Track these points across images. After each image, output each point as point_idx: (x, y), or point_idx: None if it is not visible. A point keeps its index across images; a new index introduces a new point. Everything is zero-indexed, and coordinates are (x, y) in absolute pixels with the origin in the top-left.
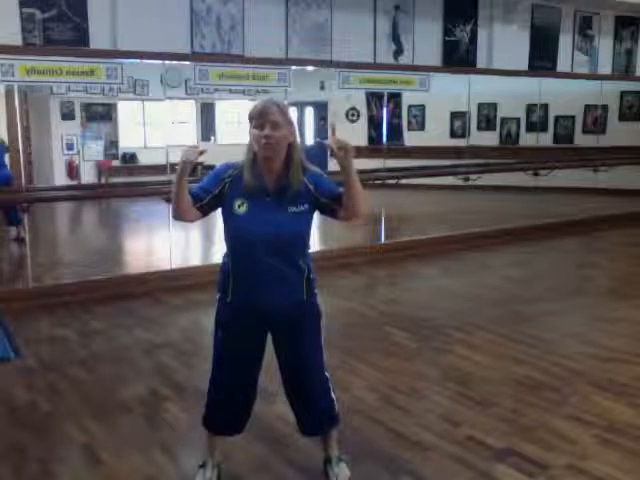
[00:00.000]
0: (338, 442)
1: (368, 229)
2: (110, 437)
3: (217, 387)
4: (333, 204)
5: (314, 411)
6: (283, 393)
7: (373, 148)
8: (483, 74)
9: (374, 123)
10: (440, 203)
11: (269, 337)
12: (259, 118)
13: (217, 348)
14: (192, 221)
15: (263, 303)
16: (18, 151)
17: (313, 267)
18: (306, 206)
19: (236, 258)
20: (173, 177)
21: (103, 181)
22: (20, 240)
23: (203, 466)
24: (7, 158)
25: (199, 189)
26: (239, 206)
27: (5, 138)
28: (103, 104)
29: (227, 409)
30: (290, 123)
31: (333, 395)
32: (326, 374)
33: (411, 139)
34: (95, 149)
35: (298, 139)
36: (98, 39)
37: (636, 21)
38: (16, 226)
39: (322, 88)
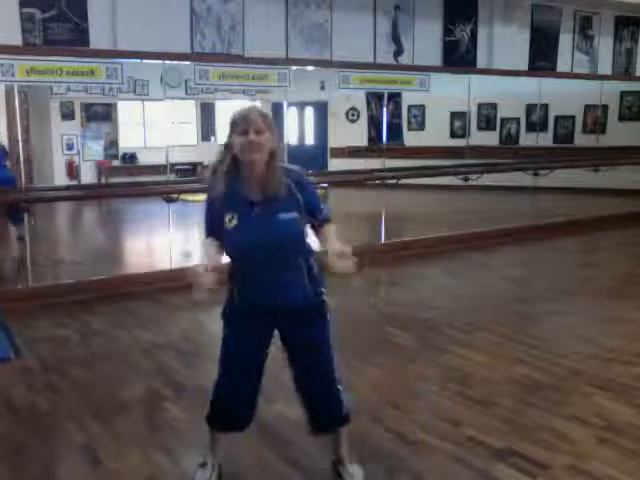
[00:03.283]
0: (347, 442)
1: (368, 229)
2: (110, 437)
3: (223, 383)
4: (312, 223)
5: (323, 408)
6: (283, 393)
7: (373, 148)
8: (483, 74)
9: (374, 123)
10: (440, 203)
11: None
12: (242, 124)
13: (224, 344)
14: None
15: (268, 306)
16: (18, 151)
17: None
18: (294, 214)
19: (236, 269)
20: (172, 177)
21: (103, 181)
22: (20, 239)
23: (203, 465)
24: (7, 162)
25: (211, 230)
26: (229, 220)
27: (5, 138)
28: (103, 104)
29: (233, 405)
30: (272, 129)
31: (343, 394)
32: (337, 374)
33: (411, 139)
34: (95, 149)
35: (280, 145)
36: (98, 39)
37: (636, 21)
38: (18, 225)
39: (322, 88)
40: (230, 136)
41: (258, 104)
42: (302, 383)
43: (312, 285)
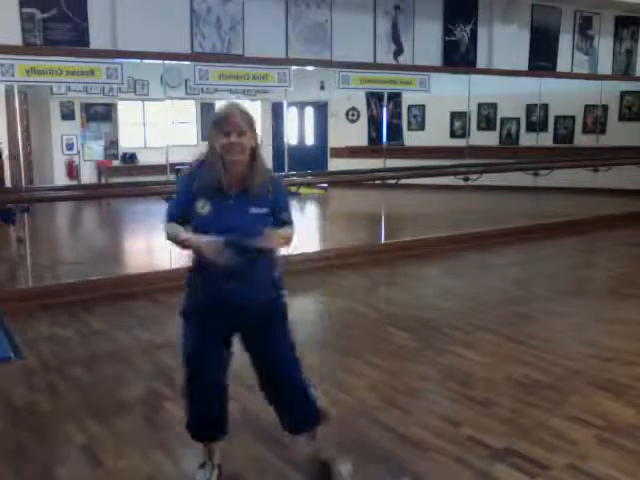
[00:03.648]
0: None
1: (368, 229)
2: (110, 437)
3: (191, 385)
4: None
5: (292, 411)
6: None
7: (373, 148)
8: (483, 74)
9: (374, 123)
10: (440, 203)
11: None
12: (224, 125)
13: (186, 345)
14: None
15: (231, 303)
16: (18, 151)
17: (309, 267)
18: (265, 209)
19: (202, 258)
20: (172, 177)
21: (103, 181)
22: (19, 241)
23: (203, 466)
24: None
25: (180, 211)
26: (202, 207)
27: (5, 138)
28: (103, 104)
29: (207, 414)
30: (253, 128)
31: (313, 394)
32: (301, 374)
33: (411, 139)
34: (95, 149)
35: (260, 142)
36: (98, 39)
37: (636, 21)
38: (11, 224)
39: (322, 88)
40: (211, 134)
41: (258, 104)
42: (268, 385)
43: (275, 285)
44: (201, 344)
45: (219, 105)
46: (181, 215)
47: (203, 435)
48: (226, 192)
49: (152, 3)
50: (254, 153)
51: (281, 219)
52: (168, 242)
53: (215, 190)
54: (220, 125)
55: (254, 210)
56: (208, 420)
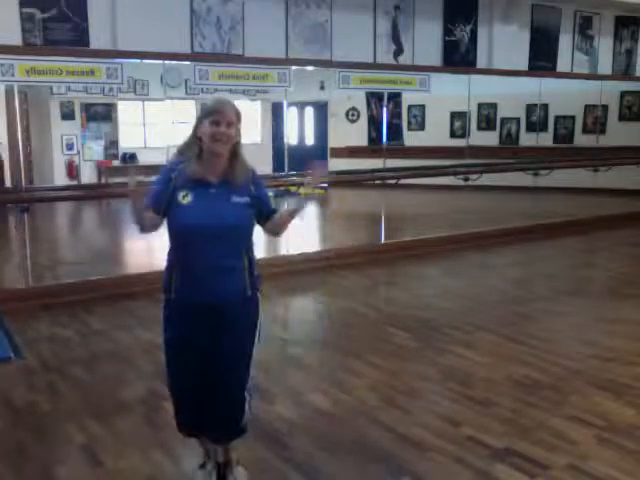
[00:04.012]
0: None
1: (368, 229)
2: (110, 437)
3: (180, 390)
4: (261, 215)
5: (222, 417)
6: (283, 393)
7: (373, 148)
8: (483, 74)
9: (374, 123)
10: (440, 203)
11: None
12: (215, 115)
13: (168, 350)
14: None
15: (208, 295)
16: (18, 151)
17: (309, 267)
18: (247, 199)
19: (180, 249)
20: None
21: (103, 181)
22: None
23: (203, 466)
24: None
25: (155, 199)
26: (183, 197)
27: (5, 138)
28: (103, 104)
29: (196, 410)
30: (239, 122)
31: (248, 405)
32: (249, 383)
33: (411, 139)
34: (95, 149)
35: (241, 138)
36: (98, 39)
37: (636, 21)
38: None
39: (322, 88)
40: (199, 121)
41: (258, 104)
42: (210, 379)
43: (251, 280)
44: (184, 346)
45: (209, 100)
46: (153, 205)
47: (195, 431)
48: (207, 181)
49: (152, 3)
50: (235, 149)
51: (270, 209)
52: (135, 225)
53: (196, 180)
54: (210, 115)
55: (235, 199)
56: (202, 420)
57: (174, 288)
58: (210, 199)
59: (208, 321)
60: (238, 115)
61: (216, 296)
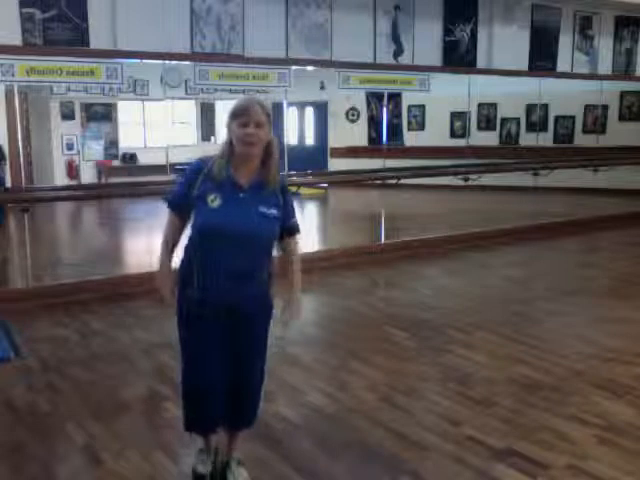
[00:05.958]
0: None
1: (368, 229)
2: (110, 437)
3: (200, 385)
4: (282, 228)
5: (241, 406)
6: (283, 393)
7: (373, 148)
8: (483, 74)
9: (374, 123)
10: (440, 203)
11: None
12: (243, 116)
13: (186, 348)
14: None
15: (229, 297)
16: (18, 151)
17: (309, 267)
18: (274, 212)
19: (204, 251)
20: (173, 177)
21: (103, 181)
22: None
23: (202, 452)
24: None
25: (179, 199)
26: (212, 200)
27: (5, 138)
28: (103, 104)
29: (209, 406)
30: (270, 122)
31: (261, 398)
32: (265, 377)
33: (411, 139)
34: (95, 149)
35: (275, 137)
36: (98, 39)
37: (636, 21)
38: None
39: (322, 88)
40: (229, 125)
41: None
42: (233, 374)
43: (270, 283)
44: (203, 346)
45: (237, 100)
46: (179, 203)
47: (205, 428)
48: (238, 185)
49: (152, 3)
50: (268, 149)
51: (291, 226)
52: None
53: (226, 184)
54: (238, 116)
55: (262, 209)
56: (214, 417)
57: (196, 285)
58: (238, 204)
59: (226, 321)
60: (267, 114)
61: (237, 297)
